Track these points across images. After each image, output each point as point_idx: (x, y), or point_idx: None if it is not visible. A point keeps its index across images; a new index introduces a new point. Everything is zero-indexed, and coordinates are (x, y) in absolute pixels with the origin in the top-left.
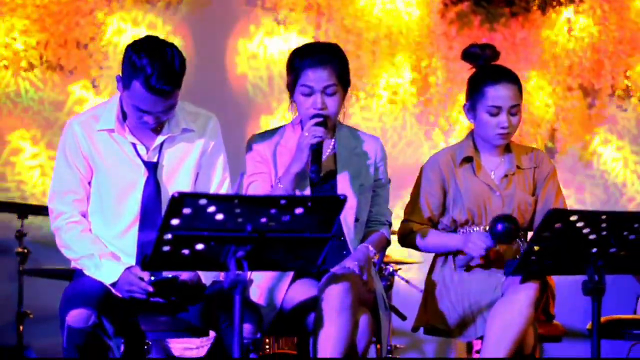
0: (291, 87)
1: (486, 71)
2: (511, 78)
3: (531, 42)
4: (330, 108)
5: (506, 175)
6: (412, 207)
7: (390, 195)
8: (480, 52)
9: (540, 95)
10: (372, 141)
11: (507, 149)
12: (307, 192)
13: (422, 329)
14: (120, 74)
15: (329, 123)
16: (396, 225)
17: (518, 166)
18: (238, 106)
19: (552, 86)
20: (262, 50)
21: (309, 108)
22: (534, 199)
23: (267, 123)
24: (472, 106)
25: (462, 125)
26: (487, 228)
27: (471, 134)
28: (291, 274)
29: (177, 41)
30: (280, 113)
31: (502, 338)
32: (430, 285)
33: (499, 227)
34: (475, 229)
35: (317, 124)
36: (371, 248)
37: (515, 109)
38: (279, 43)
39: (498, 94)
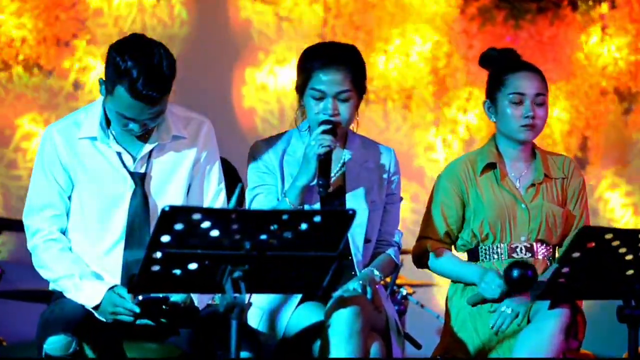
0: (300, 89)
1: (507, 63)
2: (534, 68)
3: (560, 41)
4: (342, 115)
5: (533, 185)
6: (427, 221)
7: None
8: (500, 55)
9: (571, 100)
10: (385, 153)
11: (533, 155)
12: (317, 207)
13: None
14: (103, 77)
15: (339, 131)
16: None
17: (546, 174)
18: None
19: (584, 90)
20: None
21: (318, 113)
22: (563, 211)
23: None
24: (492, 101)
25: (484, 133)
26: (502, 273)
27: (493, 139)
28: (298, 297)
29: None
30: None
31: None
32: (451, 310)
33: (515, 273)
34: (498, 247)
35: (325, 132)
36: (376, 272)
37: (540, 99)
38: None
39: (520, 82)
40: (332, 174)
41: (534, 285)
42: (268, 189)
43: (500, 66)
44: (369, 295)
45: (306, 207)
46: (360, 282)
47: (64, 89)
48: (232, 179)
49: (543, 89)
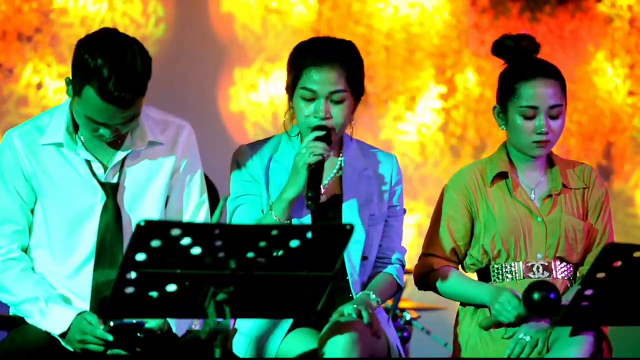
0: (290, 89)
1: (520, 64)
2: (551, 72)
3: (583, 36)
4: (335, 118)
5: (550, 196)
6: (432, 237)
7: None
8: (515, 45)
9: (593, 102)
10: (386, 160)
11: (550, 163)
12: (306, 221)
13: None
14: (70, 77)
15: (333, 137)
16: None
17: (564, 184)
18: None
19: (609, 90)
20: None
21: (309, 116)
22: (585, 225)
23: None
24: (502, 109)
25: (497, 138)
26: (522, 295)
27: (504, 146)
28: (289, 322)
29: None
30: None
31: None
32: (460, 336)
33: (535, 296)
34: (512, 266)
35: (318, 139)
36: (372, 295)
37: (556, 111)
38: None
39: (533, 91)
40: (326, 180)
41: (557, 310)
42: (252, 199)
43: (513, 66)
44: (365, 320)
45: (294, 221)
46: (355, 306)
47: (24, 89)
48: (211, 195)
49: (560, 98)
